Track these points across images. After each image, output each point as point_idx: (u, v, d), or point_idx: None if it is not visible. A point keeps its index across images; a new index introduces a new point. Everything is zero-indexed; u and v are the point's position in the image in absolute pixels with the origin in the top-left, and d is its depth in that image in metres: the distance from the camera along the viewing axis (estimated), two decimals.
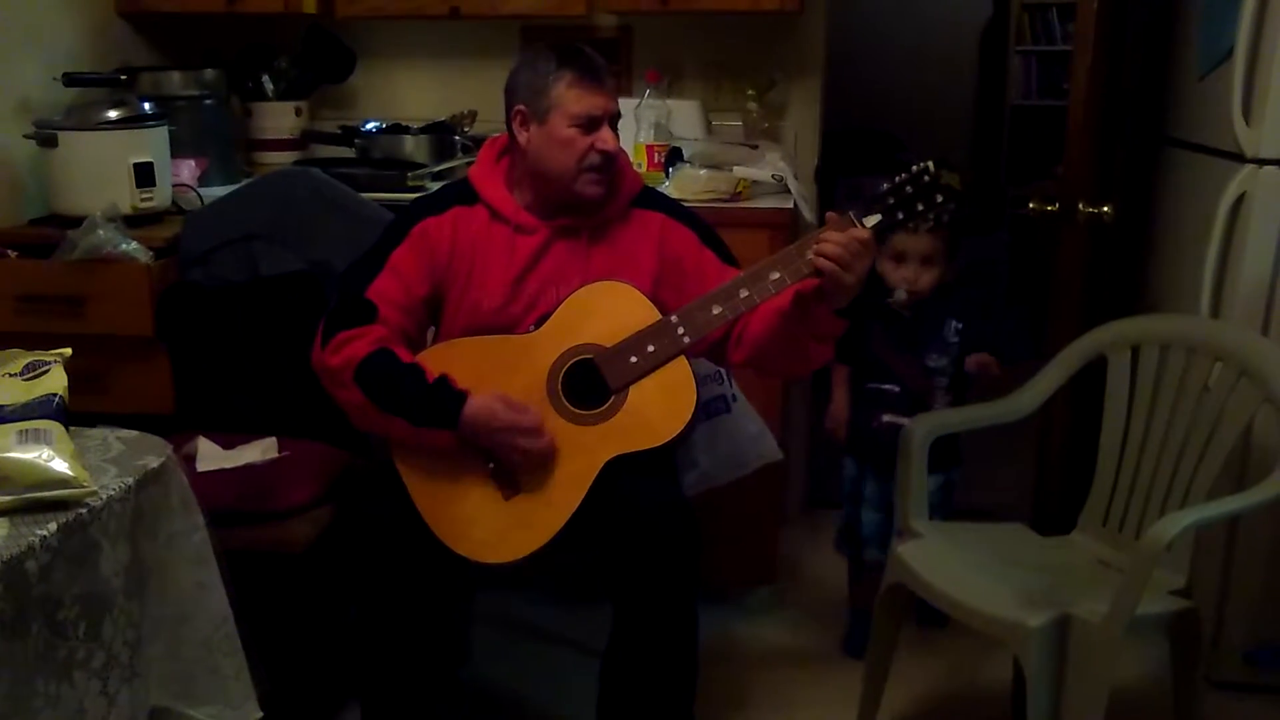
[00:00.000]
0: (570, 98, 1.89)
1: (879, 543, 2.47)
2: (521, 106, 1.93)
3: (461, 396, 1.84)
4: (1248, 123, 2.21)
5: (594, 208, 1.96)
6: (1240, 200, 2.23)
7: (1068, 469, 2.52)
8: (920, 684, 2.46)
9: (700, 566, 1.89)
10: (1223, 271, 2.29)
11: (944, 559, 2.05)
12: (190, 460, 2.13)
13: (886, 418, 2.43)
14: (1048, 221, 2.55)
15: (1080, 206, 2.45)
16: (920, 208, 1.75)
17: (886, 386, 2.45)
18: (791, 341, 1.85)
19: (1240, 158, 2.24)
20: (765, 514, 2.67)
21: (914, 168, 1.75)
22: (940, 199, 1.74)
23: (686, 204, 2.15)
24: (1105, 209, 2.44)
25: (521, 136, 1.95)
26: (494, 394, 1.84)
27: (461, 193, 2.01)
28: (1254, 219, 2.22)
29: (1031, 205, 2.57)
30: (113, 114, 2.44)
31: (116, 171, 2.40)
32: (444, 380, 1.85)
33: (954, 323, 2.42)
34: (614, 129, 1.94)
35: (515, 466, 1.86)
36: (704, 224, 2.05)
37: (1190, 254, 2.41)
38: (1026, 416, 2.21)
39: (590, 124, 1.90)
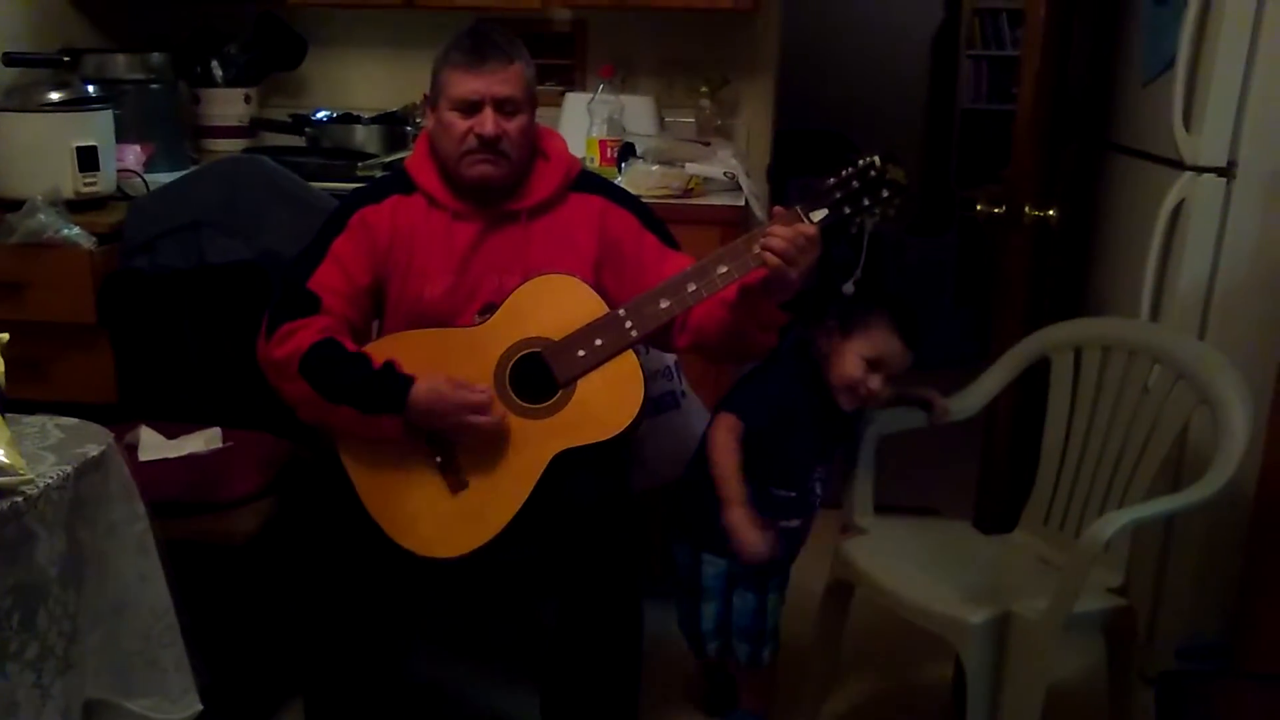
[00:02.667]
0: (452, 81, 1.89)
1: (718, 634, 2.14)
2: (427, 92, 1.96)
3: (408, 380, 1.83)
4: (1188, 130, 2.25)
5: (505, 195, 1.95)
6: (1180, 206, 2.28)
7: (1010, 468, 2.55)
8: (863, 678, 2.48)
9: (644, 561, 1.90)
10: (1162, 276, 2.33)
11: (888, 555, 2.07)
12: (132, 450, 2.10)
13: (785, 524, 2.07)
14: (994, 224, 2.59)
15: (1026, 209, 2.48)
16: (866, 202, 1.76)
17: (790, 493, 2.08)
18: (736, 330, 1.86)
19: (1180, 165, 2.28)
20: None
21: (860, 162, 1.75)
22: (886, 194, 1.75)
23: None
24: (1050, 212, 2.48)
25: (429, 121, 1.96)
26: (441, 376, 1.84)
27: (399, 181, 2.00)
28: (1192, 225, 2.26)
29: (978, 208, 2.60)
30: (54, 95, 2.40)
31: (58, 155, 2.36)
32: (390, 365, 1.84)
33: (860, 426, 2.16)
34: (505, 112, 1.89)
35: (468, 446, 1.85)
36: (644, 207, 2.06)
37: (1132, 258, 2.46)
38: (971, 416, 2.24)
39: (468, 108, 1.88)
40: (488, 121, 1.87)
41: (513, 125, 1.90)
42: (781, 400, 2.04)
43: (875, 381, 2.00)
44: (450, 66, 1.89)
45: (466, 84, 1.87)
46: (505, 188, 1.95)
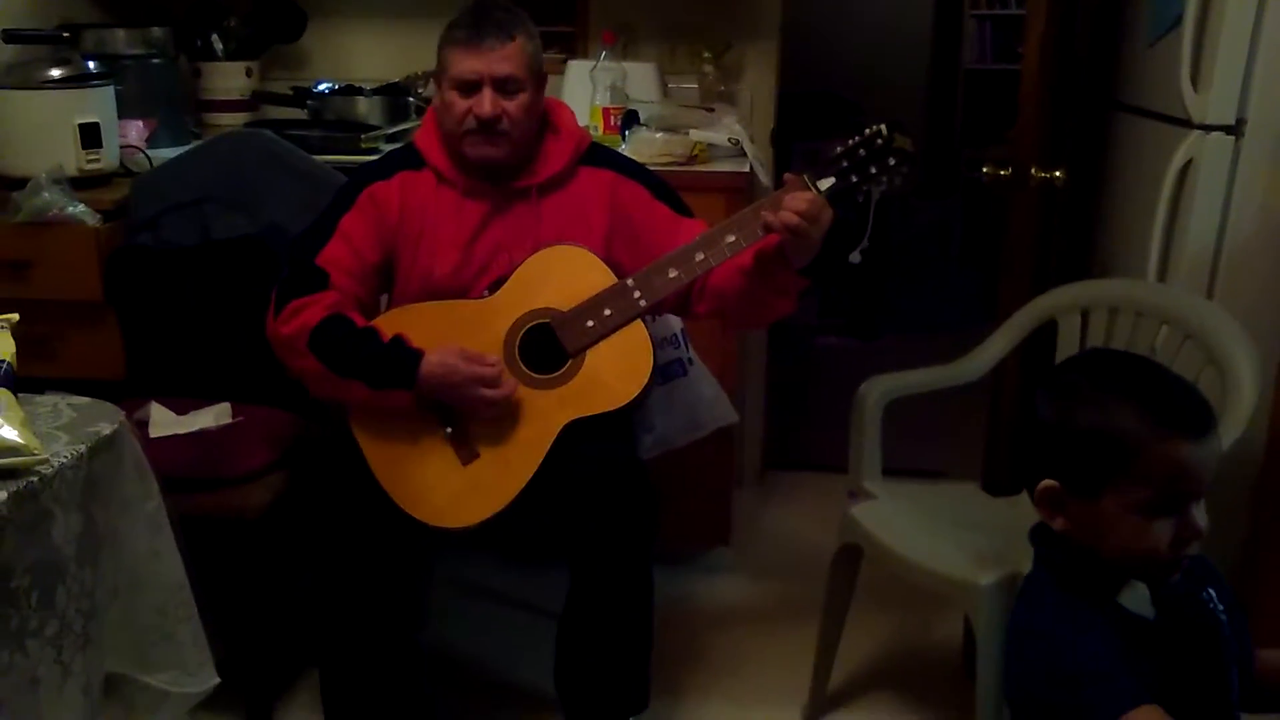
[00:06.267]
0: (452, 60, 1.88)
1: None
2: (435, 69, 1.94)
3: (417, 354, 1.83)
4: (1195, 89, 2.23)
5: (514, 171, 1.94)
6: (1187, 166, 2.26)
7: (1018, 430, 2.56)
8: (873, 642, 2.50)
9: (656, 529, 1.91)
10: (1170, 236, 2.32)
11: (897, 520, 2.08)
12: (143, 426, 2.11)
13: None
14: (1000, 186, 2.58)
15: (1032, 171, 2.47)
16: (873, 170, 1.76)
17: None
18: (753, 296, 1.88)
19: (1188, 123, 2.26)
20: (721, 476, 2.69)
21: (867, 130, 1.76)
22: (893, 162, 1.76)
23: None
24: (1056, 174, 2.47)
25: (436, 98, 1.95)
26: (450, 348, 1.84)
27: (407, 157, 1.99)
28: (1200, 185, 2.24)
29: (984, 170, 2.59)
30: (56, 73, 2.39)
31: (61, 132, 2.35)
32: (399, 340, 1.85)
33: (1211, 591, 1.32)
34: (506, 91, 1.87)
35: (479, 418, 1.86)
36: (655, 178, 2.05)
37: (1139, 219, 2.45)
38: (979, 379, 2.24)
39: (466, 87, 1.87)
40: (485, 102, 1.86)
41: (513, 104, 1.88)
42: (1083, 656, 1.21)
43: (1192, 524, 1.20)
44: (450, 45, 1.88)
45: (465, 63, 1.86)
46: (513, 165, 1.94)
